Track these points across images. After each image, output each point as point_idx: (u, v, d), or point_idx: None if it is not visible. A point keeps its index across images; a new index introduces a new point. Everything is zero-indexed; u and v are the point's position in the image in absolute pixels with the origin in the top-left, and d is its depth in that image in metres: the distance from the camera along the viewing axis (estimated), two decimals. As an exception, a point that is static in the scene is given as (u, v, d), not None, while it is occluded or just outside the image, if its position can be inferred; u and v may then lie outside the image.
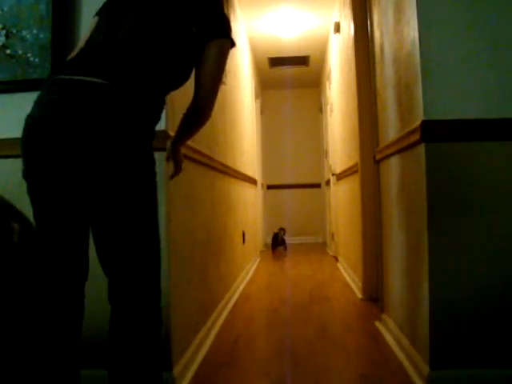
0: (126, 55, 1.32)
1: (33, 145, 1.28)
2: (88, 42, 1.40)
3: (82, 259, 1.38)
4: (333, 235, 6.17)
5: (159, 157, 1.83)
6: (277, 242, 6.57)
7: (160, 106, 1.41)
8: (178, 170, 1.70)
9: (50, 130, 1.24)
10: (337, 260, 5.61)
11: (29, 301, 1.34)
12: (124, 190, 1.28)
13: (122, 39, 1.33)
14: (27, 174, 1.33)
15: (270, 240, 6.76)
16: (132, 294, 1.31)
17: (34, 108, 1.31)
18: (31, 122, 1.29)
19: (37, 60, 1.98)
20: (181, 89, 2.11)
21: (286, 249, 6.63)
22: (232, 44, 1.50)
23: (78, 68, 1.31)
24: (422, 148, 1.88)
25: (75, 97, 1.25)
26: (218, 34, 1.43)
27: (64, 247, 1.35)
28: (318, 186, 8.12)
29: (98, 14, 1.50)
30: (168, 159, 1.68)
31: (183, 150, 2.10)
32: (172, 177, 1.73)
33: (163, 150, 1.87)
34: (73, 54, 1.44)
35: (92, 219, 1.33)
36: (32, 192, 1.34)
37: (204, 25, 1.41)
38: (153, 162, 1.37)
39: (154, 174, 1.37)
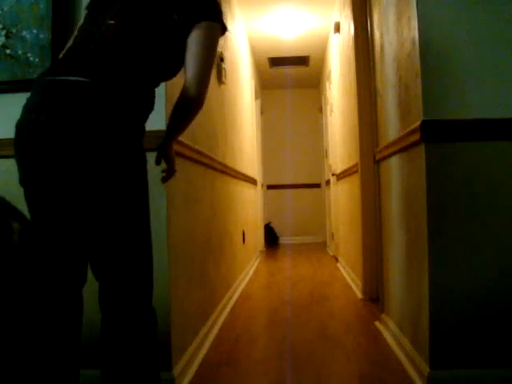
0: (109, 51, 1.30)
1: (22, 149, 1.27)
2: (74, 41, 1.39)
3: (80, 262, 1.37)
4: (333, 235, 6.17)
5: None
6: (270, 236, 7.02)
7: (148, 100, 1.36)
8: (171, 170, 1.56)
9: (36, 134, 1.22)
10: (337, 260, 5.61)
11: (29, 300, 1.34)
12: (113, 190, 1.26)
13: (104, 35, 1.32)
14: (22, 180, 1.32)
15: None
16: (124, 296, 1.29)
17: (22, 112, 1.29)
18: (19, 127, 1.28)
19: (37, 60, 1.98)
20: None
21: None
22: (223, 29, 1.43)
23: (63, 68, 1.29)
24: (422, 148, 1.88)
25: (58, 98, 1.23)
26: (200, 18, 1.37)
27: (63, 250, 1.34)
28: (317, 186, 8.13)
29: (86, 7, 1.49)
30: (158, 161, 1.52)
31: (181, 149, 2.09)
32: (165, 179, 1.57)
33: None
34: (61, 53, 1.43)
35: (85, 221, 1.31)
36: (28, 197, 1.33)
37: (187, 10, 1.37)
38: (143, 159, 1.33)
39: (145, 172, 1.33)
